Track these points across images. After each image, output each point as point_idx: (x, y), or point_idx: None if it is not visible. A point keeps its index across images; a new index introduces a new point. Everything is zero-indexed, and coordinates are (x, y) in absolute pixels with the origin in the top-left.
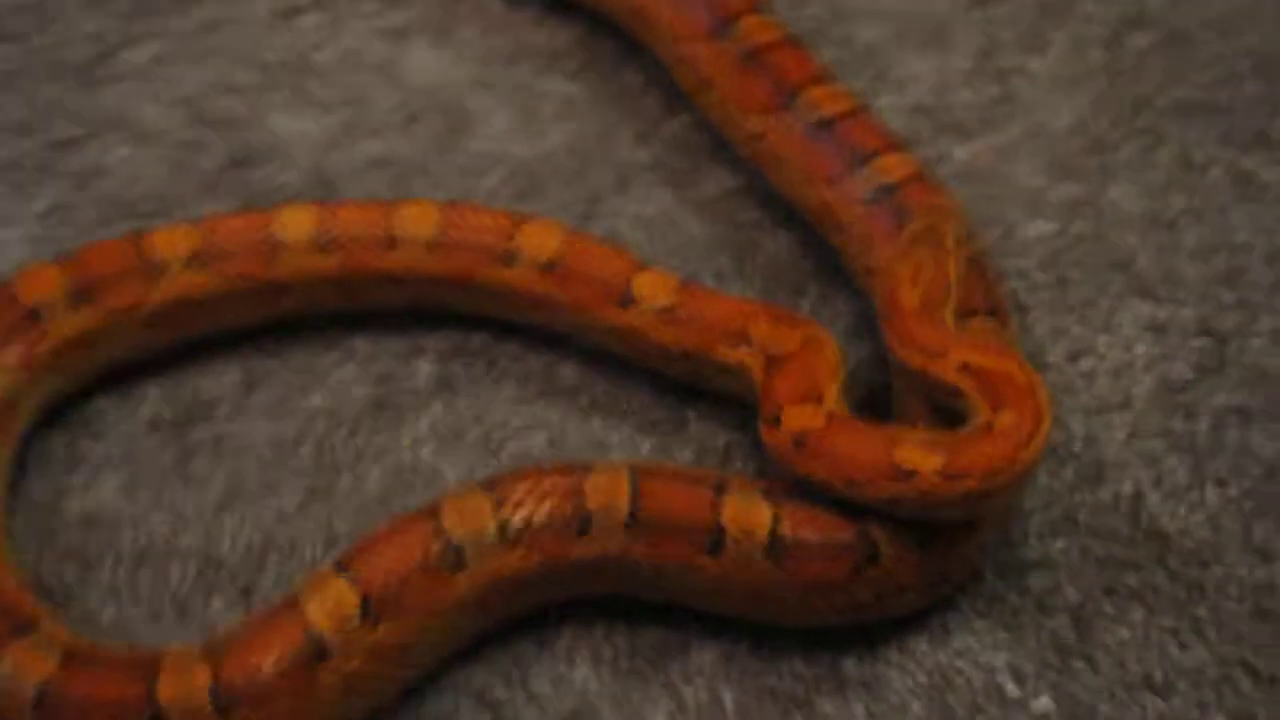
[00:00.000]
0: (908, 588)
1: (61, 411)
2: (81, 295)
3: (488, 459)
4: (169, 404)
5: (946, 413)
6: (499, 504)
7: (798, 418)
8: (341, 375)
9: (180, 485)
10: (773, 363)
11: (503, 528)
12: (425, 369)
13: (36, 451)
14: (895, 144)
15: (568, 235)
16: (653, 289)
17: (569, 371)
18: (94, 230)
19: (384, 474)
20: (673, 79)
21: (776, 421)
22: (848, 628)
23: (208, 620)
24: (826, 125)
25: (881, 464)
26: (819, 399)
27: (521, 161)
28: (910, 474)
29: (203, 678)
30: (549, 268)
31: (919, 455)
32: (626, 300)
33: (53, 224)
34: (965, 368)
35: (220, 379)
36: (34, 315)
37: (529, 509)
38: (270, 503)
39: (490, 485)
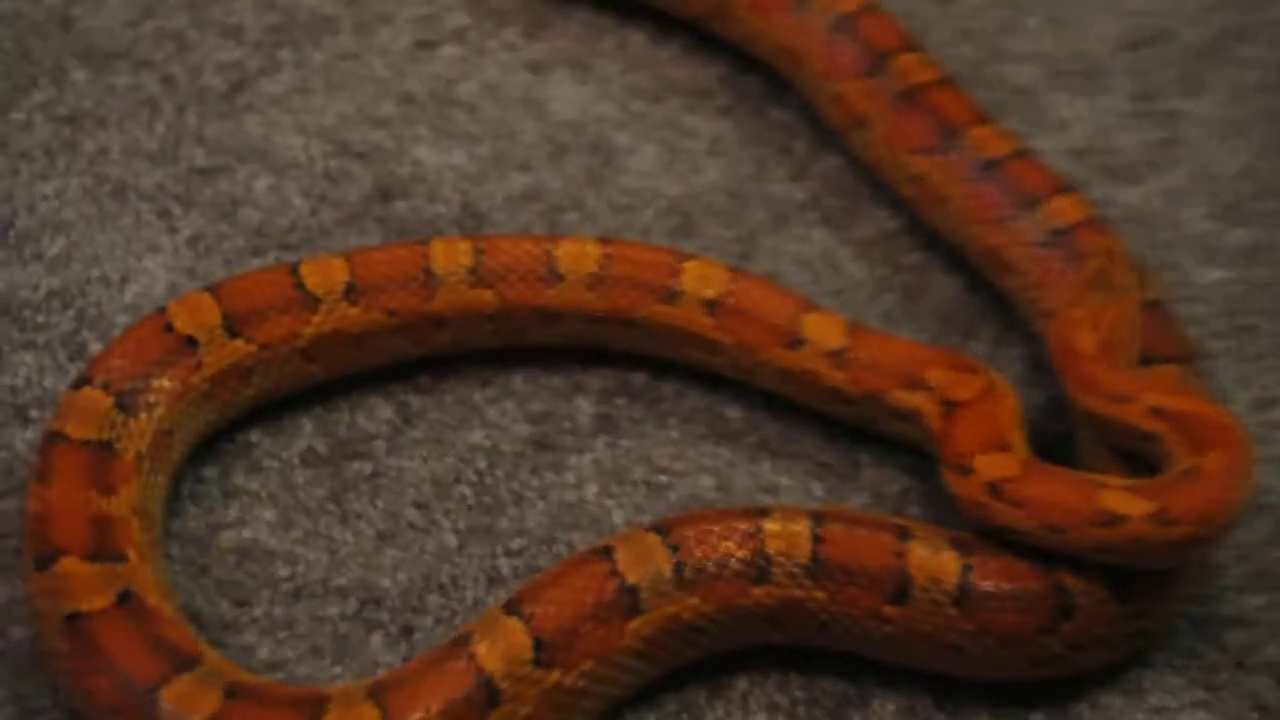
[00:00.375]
0: (1102, 641)
1: (216, 444)
2: (237, 325)
3: (654, 500)
4: (324, 438)
5: (1134, 460)
6: (675, 547)
7: (991, 466)
8: (499, 413)
9: (336, 521)
10: (950, 409)
11: (679, 571)
12: (585, 407)
13: (191, 483)
14: (1065, 186)
15: (732, 274)
16: (823, 330)
17: (734, 412)
18: (240, 260)
19: (546, 513)
20: (823, 117)
21: (967, 470)
22: (1034, 682)
23: (368, 658)
24: (993, 166)
25: (1087, 510)
26: (1006, 446)
27: (673, 199)
28: (1120, 520)
29: (371, 719)
30: (713, 306)
31: (1127, 501)
32: (795, 341)
33: (199, 253)
34: (1157, 412)
35: (375, 414)
36: (190, 344)
37: (706, 552)
38: (429, 540)
39: (664, 527)
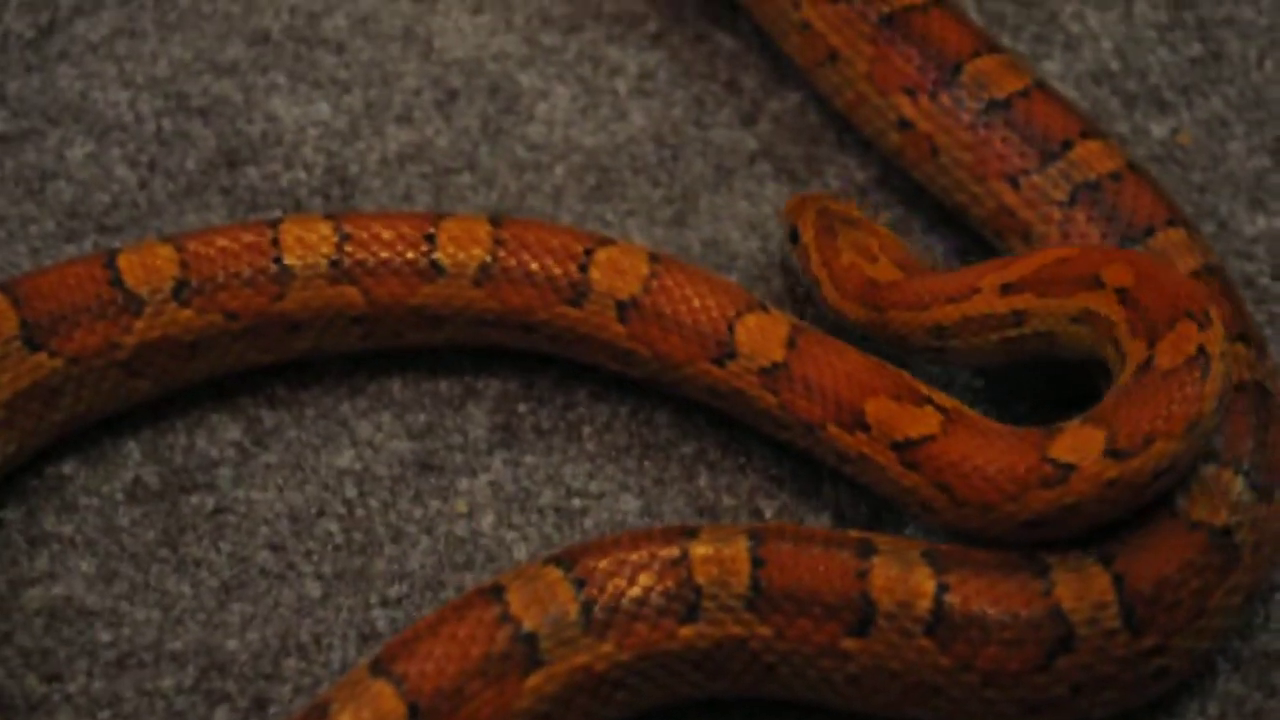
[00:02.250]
0: (1113, 683)
1: (18, 478)
2: (39, 336)
3: (565, 531)
4: (154, 467)
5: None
6: (581, 581)
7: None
8: (373, 428)
9: (170, 570)
10: (910, 450)
11: (587, 612)
12: (479, 417)
13: None
14: (1093, 128)
15: (653, 265)
16: (759, 339)
17: (663, 418)
18: (50, 248)
19: (432, 551)
20: (781, 49)
21: (1053, 480)
22: None
23: None
24: (1001, 107)
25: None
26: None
27: (591, 152)
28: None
29: None
30: (629, 308)
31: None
32: (725, 353)
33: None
34: (1009, 288)
35: (218, 435)
36: None
37: (620, 587)
38: (286, 590)
39: (568, 558)
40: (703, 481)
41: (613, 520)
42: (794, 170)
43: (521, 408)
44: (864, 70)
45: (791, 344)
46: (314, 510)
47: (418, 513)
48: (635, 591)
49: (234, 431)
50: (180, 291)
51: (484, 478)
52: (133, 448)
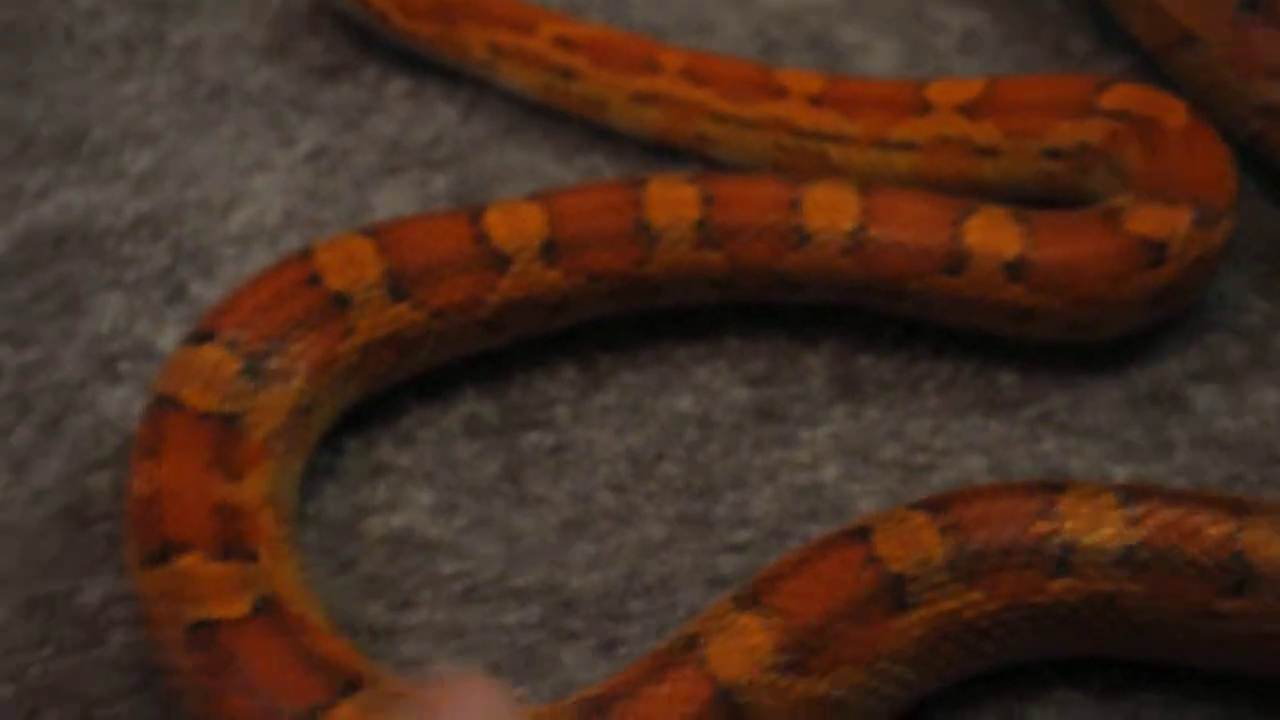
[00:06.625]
0: None
1: (359, 410)
2: (404, 285)
3: (910, 486)
4: (491, 403)
5: None
6: (947, 529)
7: None
8: (710, 374)
9: (510, 505)
10: None
11: (954, 559)
12: (818, 368)
13: (329, 456)
14: None
15: (1021, 225)
16: None
17: (1008, 376)
18: (372, 181)
19: (775, 499)
20: (1125, 28)
21: None
22: None
23: (561, 677)
24: None
25: None
26: None
27: None
28: None
29: None
30: (1013, 268)
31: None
32: None
33: (320, 171)
34: (565, 41)
35: (555, 374)
36: (340, 303)
37: (988, 536)
38: (630, 532)
39: (934, 505)
40: (1049, 444)
41: (960, 479)
42: None
43: (862, 360)
44: (1222, 54)
45: None
46: (653, 453)
47: (759, 460)
48: (1003, 542)
49: (570, 371)
50: (547, 251)
51: (825, 429)
52: (467, 384)
